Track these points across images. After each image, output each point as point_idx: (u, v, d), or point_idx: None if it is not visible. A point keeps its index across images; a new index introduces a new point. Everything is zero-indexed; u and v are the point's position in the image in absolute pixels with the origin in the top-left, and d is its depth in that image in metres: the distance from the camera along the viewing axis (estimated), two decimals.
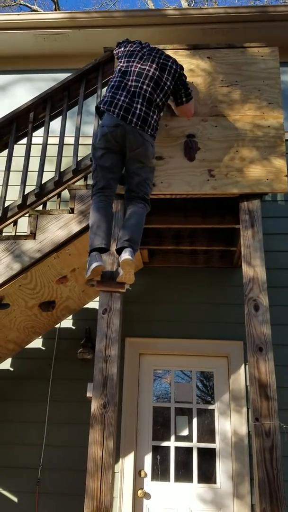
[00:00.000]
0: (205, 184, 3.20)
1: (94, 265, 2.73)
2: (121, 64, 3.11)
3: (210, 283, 4.27)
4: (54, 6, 16.46)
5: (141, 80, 2.98)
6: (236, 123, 3.31)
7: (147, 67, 3.02)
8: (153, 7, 16.31)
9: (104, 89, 3.39)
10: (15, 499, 3.82)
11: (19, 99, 4.67)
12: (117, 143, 2.92)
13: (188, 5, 15.59)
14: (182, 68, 3.16)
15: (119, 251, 2.84)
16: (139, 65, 3.03)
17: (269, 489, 2.51)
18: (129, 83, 2.98)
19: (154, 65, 3.03)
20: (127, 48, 3.16)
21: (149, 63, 3.04)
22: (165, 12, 5.16)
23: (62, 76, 4.01)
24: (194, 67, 3.48)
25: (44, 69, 5.28)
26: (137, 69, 3.01)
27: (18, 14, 5.10)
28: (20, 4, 17.03)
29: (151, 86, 2.97)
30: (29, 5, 16.95)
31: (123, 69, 3.06)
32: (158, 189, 3.23)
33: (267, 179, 3.17)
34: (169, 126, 3.35)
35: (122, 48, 3.21)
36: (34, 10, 16.48)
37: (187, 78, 3.43)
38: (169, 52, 3.49)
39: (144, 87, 2.96)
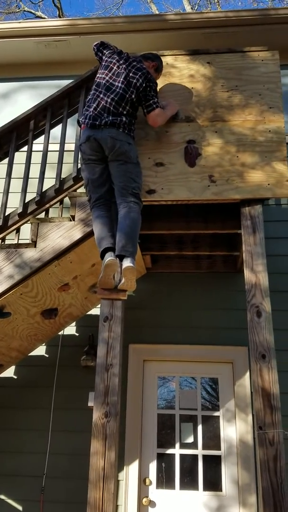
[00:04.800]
0: (206, 190, 3.18)
1: (106, 259, 2.81)
2: (98, 76, 3.22)
3: (214, 288, 4.24)
4: (58, 12, 16.56)
5: (108, 93, 3.09)
6: (236, 128, 3.29)
7: (115, 83, 3.12)
8: (157, 11, 16.36)
9: None
10: (20, 508, 3.80)
11: (21, 106, 4.67)
12: (96, 152, 3.03)
13: (192, 8, 15.62)
14: (150, 81, 3.15)
15: (119, 257, 2.85)
16: (111, 80, 3.14)
17: (273, 499, 2.48)
18: (100, 95, 3.11)
19: (121, 79, 3.12)
20: (106, 59, 3.26)
21: (119, 79, 3.13)
22: (166, 17, 5.17)
23: (64, 82, 4.01)
24: (194, 72, 3.47)
25: (45, 76, 5.30)
26: (108, 83, 3.13)
27: (19, 22, 5.14)
28: (24, 10, 17.16)
29: (115, 101, 3.07)
30: (33, 11, 17.08)
31: (97, 80, 3.19)
32: (159, 195, 3.21)
33: (269, 184, 3.14)
34: (169, 132, 3.34)
35: (104, 57, 3.29)
36: (38, 17, 16.60)
37: (187, 84, 3.45)
38: (168, 58, 3.50)
39: (109, 101, 3.07)
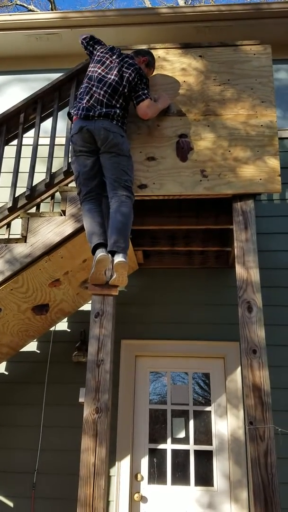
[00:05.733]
0: (198, 184, 3.16)
1: (98, 254, 2.79)
2: (90, 69, 3.20)
3: (206, 284, 4.23)
4: (50, 6, 16.40)
5: (100, 86, 3.07)
6: (229, 122, 3.27)
7: (108, 75, 3.11)
8: (150, 6, 16.24)
9: None
10: (11, 504, 3.79)
11: (12, 99, 4.62)
12: (88, 144, 3.01)
13: (185, 3, 15.53)
14: (142, 76, 3.15)
15: (111, 253, 2.83)
16: (103, 73, 3.12)
17: (264, 494, 2.47)
18: (93, 88, 3.08)
19: (115, 72, 3.11)
20: (98, 53, 3.25)
21: (112, 72, 3.12)
22: (159, 10, 5.12)
23: (55, 76, 3.95)
24: (186, 66, 3.44)
25: (37, 70, 5.23)
26: (100, 76, 3.11)
27: (10, 15, 5.06)
28: (17, 4, 16.96)
29: (109, 93, 3.05)
30: (25, 5, 16.88)
31: (89, 74, 3.17)
32: (150, 190, 3.19)
33: (261, 179, 3.13)
34: (161, 126, 3.31)
35: (96, 52, 3.27)
36: (30, 10, 16.41)
37: (179, 78, 3.42)
38: (160, 52, 3.47)
39: (102, 93, 3.05)
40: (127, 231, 2.91)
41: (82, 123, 3.00)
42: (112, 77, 3.09)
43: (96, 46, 3.30)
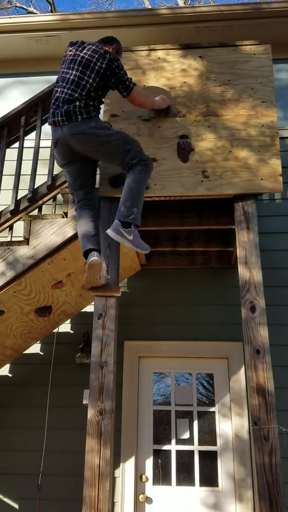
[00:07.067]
0: (199, 185, 3.16)
1: (90, 259, 2.76)
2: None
3: (209, 284, 4.23)
4: (50, 8, 16.43)
5: (63, 84, 2.96)
6: (229, 122, 3.27)
7: (70, 71, 2.97)
8: (150, 6, 16.25)
9: None
10: (16, 506, 3.79)
11: (12, 102, 4.64)
12: (68, 156, 2.97)
13: (184, 3, 15.53)
14: (112, 60, 2.95)
15: (123, 224, 2.81)
16: (65, 71, 3.01)
17: (268, 494, 2.47)
18: (58, 89, 2.99)
19: (76, 67, 2.97)
20: (66, 53, 3.12)
21: (73, 66, 2.98)
22: (158, 11, 5.12)
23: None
24: (186, 67, 3.44)
25: (37, 72, 5.24)
26: (63, 75, 3.01)
27: (10, 17, 5.07)
28: (16, 6, 17.00)
29: (71, 89, 2.92)
30: (25, 7, 16.92)
31: (57, 77, 3.08)
32: (152, 191, 3.19)
33: (262, 179, 3.12)
34: (161, 127, 3.31)
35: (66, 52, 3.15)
36: (30, 12, 16.44)
37: (180, 79, 3.42)
38: (160, 53, 3.47)
39: (65, 90, 2.93)
40: (133, 196, 2.83)
41: (55, 135, 2.93)
42: (74, 72, 2.95)
43: (67, 50, 3.16)
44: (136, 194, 2.85)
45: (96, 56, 2.97)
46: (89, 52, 2.99)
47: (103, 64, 2.94)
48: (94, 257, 2.77)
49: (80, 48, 3.05)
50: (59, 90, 2.98)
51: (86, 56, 2.98)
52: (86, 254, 2.85)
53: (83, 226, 2.94)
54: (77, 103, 2.87)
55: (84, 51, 3.01)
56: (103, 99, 3.10)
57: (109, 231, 2.77)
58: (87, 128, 2.86)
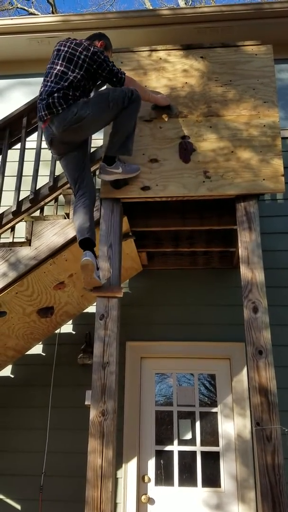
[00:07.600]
0: (201, 186, 3.16)
1: (82, 259, 2.76)
2: None
3: (211, 285, 4.23)
4: (51, 9, 16.45)
5: (47, 79, 2.99)
6: (231, 123, 3.27)
7: (54, 66, 3.00)
8: (151, 7, 16.26)
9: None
10: (19, 507, 3.80)
11: (14, 103, 4.64)
12: (62, 149, 3.03)
13: (185, 4, 15.54)
14: (95, 53, 2.97)
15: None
16: (50, 66, 3.03)
17: (271, 495, 2.47)
18: (43, 83, 3.02)
19: (60, 61, 2.99)
20: (53, 50, 3.13)
21: (57, 61, 3.01)
22: (160, 12, 5.13)
23: None
24: (187, 67, 3.44)
25: (39, 73, 5.19)
26: (48, 70, 3.03)
27: (12, 19, 5.08)
28: (17, 7, 17.02)
29: (54, 81, 2.94)
30: (26, 8, 16.94)
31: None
32: (154, 192, 3.19)
33: (264, 179, 3.12)
34: (163, 128, 3.31)
35: None
36: (31, 14, 16.47)
37: (181, 79, 3.41)
38: (161, 53, 3.47)
39: (48, 84, 2.96)
40: (121, 131, 3.00)
41: (47, 134, 2.98)
42: (58, 67, 2.97)
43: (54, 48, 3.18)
44: (126, 129, 3.00)
45: (79, 49, 3.00)
46: (72, 45, 3.02)
47: (86, 57, 2.98)
48: (85, 257, 2.76)
49: (67, 44, 3.07)
50: (43, 84, 3.02)
51: (70, 50, 3.01)
52: (81, 246, 2.87)
53: (76, 218, 2.95)
54: (56, 95, 2.88)
55: (68, 44, 3.04)
56: (91, 93, 3.13)
57: (102, 175, 3.00)
58: (71, 117, 2.88)
